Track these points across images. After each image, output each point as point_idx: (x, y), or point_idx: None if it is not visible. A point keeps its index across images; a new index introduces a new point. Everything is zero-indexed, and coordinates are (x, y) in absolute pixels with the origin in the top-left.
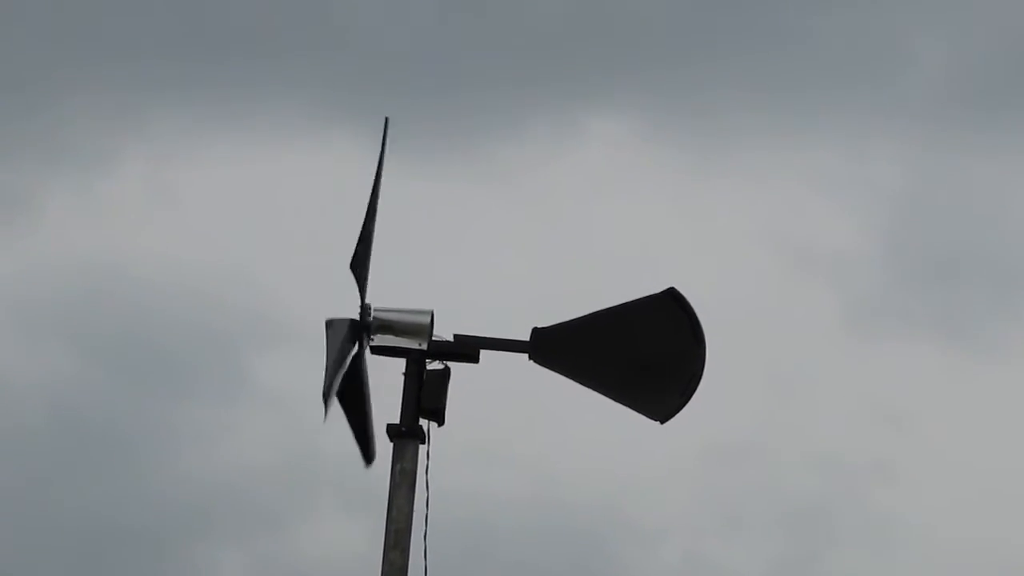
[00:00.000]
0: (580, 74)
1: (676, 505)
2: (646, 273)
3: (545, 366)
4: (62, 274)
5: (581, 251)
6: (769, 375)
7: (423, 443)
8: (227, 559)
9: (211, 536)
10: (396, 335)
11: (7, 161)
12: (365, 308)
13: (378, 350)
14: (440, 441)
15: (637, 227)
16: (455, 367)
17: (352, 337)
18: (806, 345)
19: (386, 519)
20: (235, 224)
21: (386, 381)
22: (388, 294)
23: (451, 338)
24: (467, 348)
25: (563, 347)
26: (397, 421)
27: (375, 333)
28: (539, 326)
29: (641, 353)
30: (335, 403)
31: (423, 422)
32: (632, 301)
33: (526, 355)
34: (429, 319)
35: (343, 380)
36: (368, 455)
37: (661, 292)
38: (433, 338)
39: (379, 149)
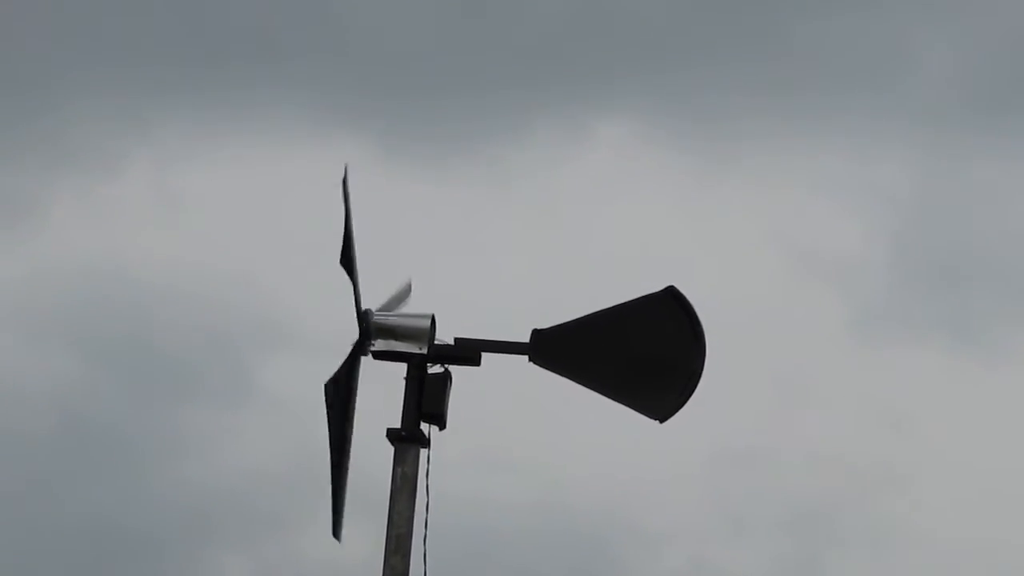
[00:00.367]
0: (584, 77)
1: (680, 509)
2: (650, 276)
3: (545, 367)
4: (66, 278)
5: (585, 254)
6: (774, 378)
7: (424, 447)
8: (231, 563)
9: (215, 540)
10: (397, 340)
11: (11, 165)
12: (364, 315)
13: (379, 355)
14: (442, 445)
15: (641, 230)
16: (456, 370)
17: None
18: (811, 348)
19: (387, 524)
20: (239, 228)
21: (387, 386)
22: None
23: (452, 342)
24: (468, 351)
25: (563, 348)
26: (398, 425)
27: (375, 338)
28: (538, 328)
29: (641, 352)
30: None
31: (424, 426)
32: (631, 300)
33: (526, 357)
34: (429, 323)
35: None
36: (336, 531)
37: (660, 291)
38: (435, 342)
39: (343, 197)
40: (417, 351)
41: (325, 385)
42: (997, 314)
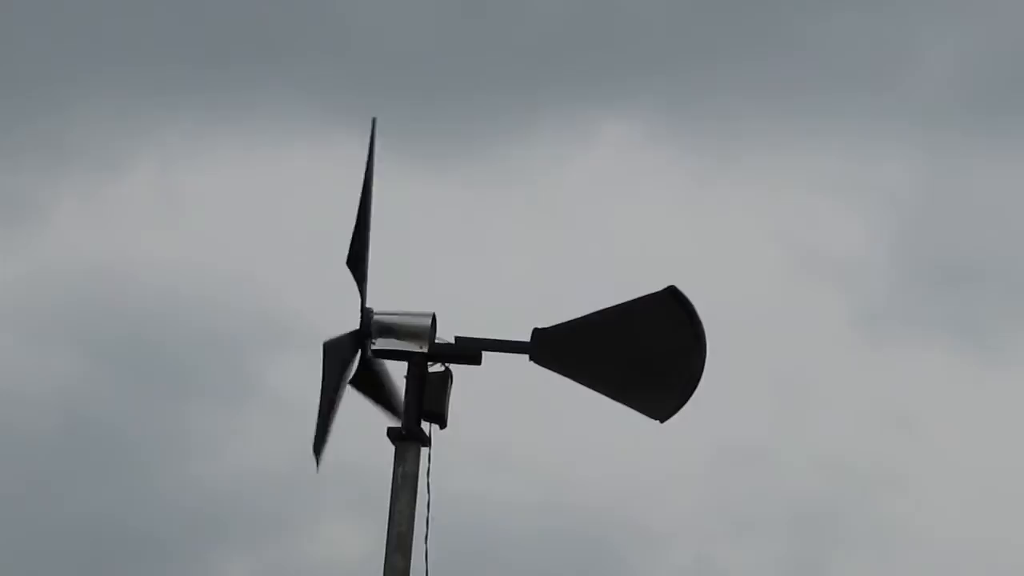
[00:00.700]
0: (589, 77)
1: (683, 508)
2: (652, 275)
3: (546, 367)
4: (69, 277)
5: (587, 253)
6: (776, 378)
7: (425, 446)
8: (234, 562)
9: (218, 540)
10: (397, 338)
11: (14, 165)
12: (366, 313)
13: (379, 354)
14: (443, 444)
15: (644, 229)
16: (457, 369)
17: (352, 351)
18: (814, 349)
19: (388, 523)
20: (241, 227)
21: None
22: (394, 296)
23: (453, 340)
24: (469, 350)
25: (563, 347)
26: (399, 424)
27: (376, 337)
28: (539, 327)
29: (642, 351)
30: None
31: (425, 425)
32: (632, 300)
33: (527, 356)
34: (430, 322)
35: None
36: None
37: (661, 290)
38: (435, 340)
39: (367, 151)
40: (418, 350)
41: (324, 345)
42: (999, 314)
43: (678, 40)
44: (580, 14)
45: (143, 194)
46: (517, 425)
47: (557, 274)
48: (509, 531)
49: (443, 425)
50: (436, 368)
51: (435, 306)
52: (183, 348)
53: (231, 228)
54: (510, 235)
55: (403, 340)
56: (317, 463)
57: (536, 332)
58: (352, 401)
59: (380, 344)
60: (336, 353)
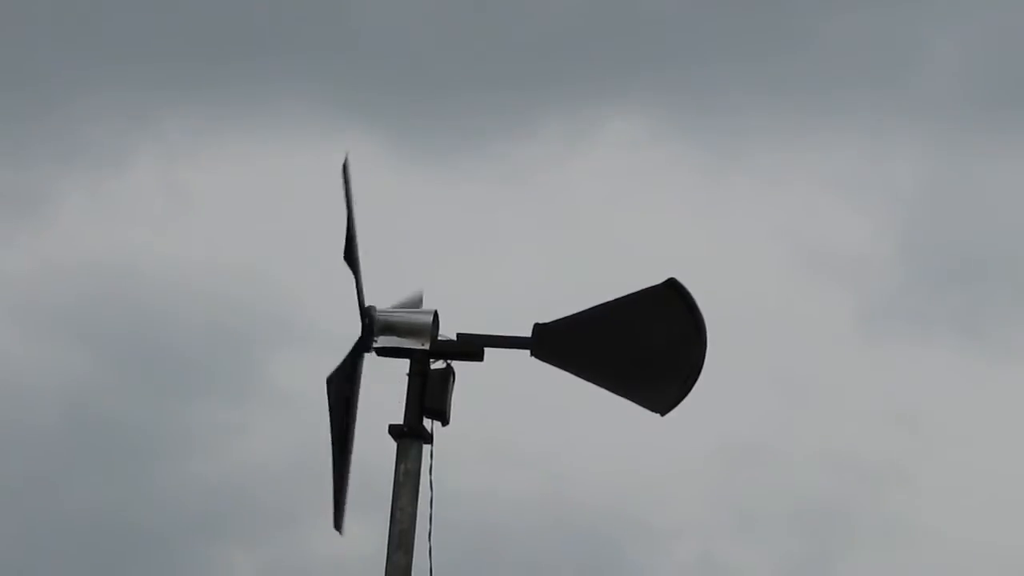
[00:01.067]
0: (595, 74)
1: (688, 504)
2: (658, 272)
3: (547, 362)
4: (74, 274)
5: (593, 250)
6: (782, 374)
7: (427, 443)
8: (238, 559)
9: (222, 536)
10: (399, 336)
11: (20, 161)
12: (367, 311)
13: (382, 351)
14: (446, 441)
15: (651, 227)
16: (459, 366)
17: (355, 363)
18: (821, 345)
19: (390, 520)
20: (246, 223)
21: (389, 382)
22: (398, 293)
23: (455, 337)
24: (470, 347)
25: (564, 342)
26: (400, 421)
27: (378, 334)
28: (540, 322)
29: (642, 345)
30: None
31: (427, 422)
32: (632, 293)
33: (528, 352)
34: (432, 319)
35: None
36: (338, 523)
37: (661, 283)
38: (437, 337)
39: (344, 188)
40: (419, 347)
41: (327, 380)
42: (1006, 311)
43: (684, 37)
44: (586, 10)
45: (148, 190)
46: (520, 421)
47: (560, 271)
48: (512, 527)
49: (445, 422)
50: (438, 365)
51: (437, 303)
52: (187, 344)
53: (236, 224)
54: (513, 232)
55: (404, 337)
56: (340, 530)
57: (537, 327)
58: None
59: (382, 341)
60: (338, 384)
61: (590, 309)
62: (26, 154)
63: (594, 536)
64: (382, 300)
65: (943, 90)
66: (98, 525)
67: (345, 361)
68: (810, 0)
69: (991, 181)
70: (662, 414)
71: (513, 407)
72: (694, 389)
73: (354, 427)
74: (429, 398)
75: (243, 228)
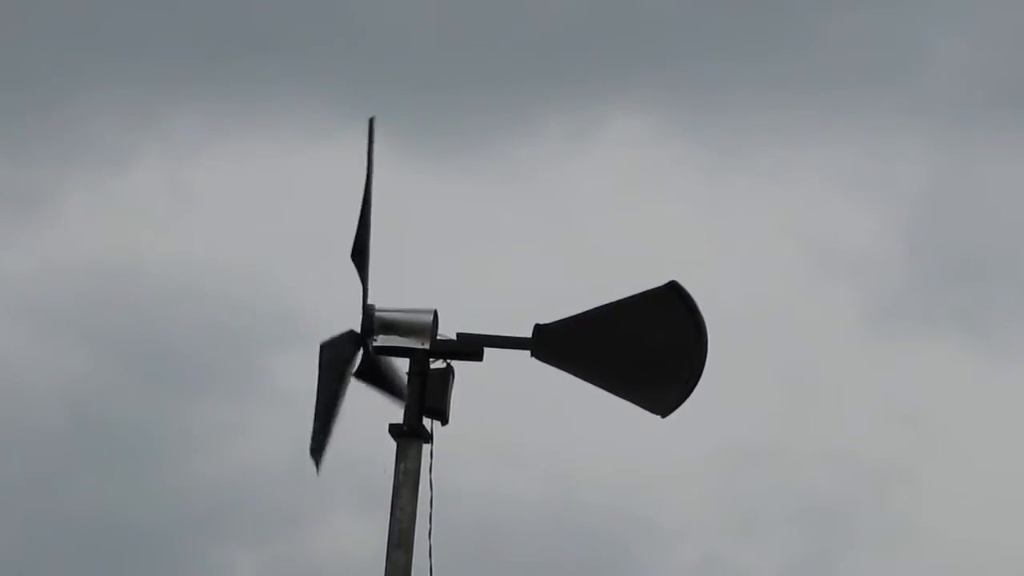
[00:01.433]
0: (596, 72)
1: (692, 505)
2: (662, 272)
3: (547, 362)
4: (75, 273)
5: (596, 250)
6: (787, 374)
7: (427, 443)
8: (240, 559)
9: (224, 535)
10: (399, 335)
11: (23, 159)
12: (368, 310)
13: (381, 350)
14: (446, 441)
15: (654, 226)
16: (459, 366)
17: (351, 349)
18: (825, 344)
19: (389, 519)
20: (250, 222)
21: None
22: (395, 292)
23: (454, 337)
24: (470, 346)
25: (565, 343)
26: (400, 421)
27: (378, 333)
28: (540, 322)
29: (643, 347)
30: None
31: (426, 422)
32: (633, 295)
33: (528, 352)
34: (431, 318)
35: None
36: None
37: (662, 285)
38: (437, 337)
39: (367, 151)
40: (419, 346)
41: (320, 345)
42: (1012, 310)
43: (687, 35)
44: (587, 8)
45: (151, 189)
46: (519, 421)
47: (561, 271)
48: (512, 527)
49: (445, 421)
50: (438, 364)
51: (437, 302)
52: (189, 343)
53: (239, 223)
54: (513, 231)
55: (404, 337)
56: (317, 466)
57: (537, 328)
58: (357, 398)
59: (382, 341)
60: (333, 353)
61: (591, 310)
62: (27, 153)
63: (596, 536)
64: (382, 299)
65: (946, 88)
66: (98, 525)
67: (342, 336)
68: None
69: (995, 180)
70: (663, 416)
71: (513, 407)
72: (699, 389)
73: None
74: (429, 398)
75: (245, 227)
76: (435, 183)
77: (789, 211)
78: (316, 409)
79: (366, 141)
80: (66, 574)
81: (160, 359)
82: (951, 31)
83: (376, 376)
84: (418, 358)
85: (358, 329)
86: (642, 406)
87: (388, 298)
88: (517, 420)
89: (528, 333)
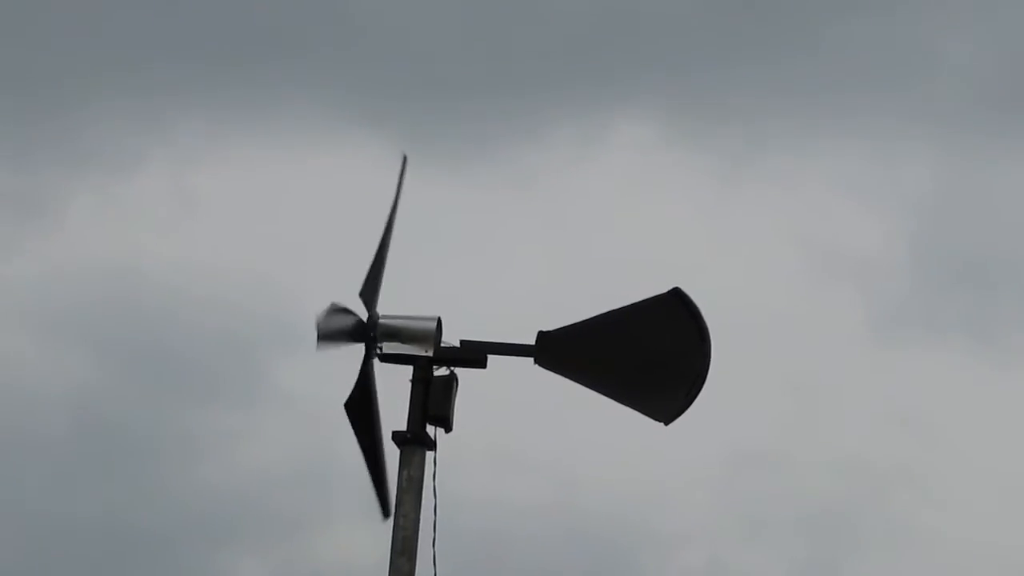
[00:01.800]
0: (605, 78)
1: (697, 510)
2: (669, 278)
3: (550, 370)
4: (83, 278)
5: (602, 256)
6: (792, 379)
7: (430, 450)
8: (246, 564)
9: (230, 541)
10: (403, 342)
11: (28, 165)
12: (372, 316)
13: (385, 358)
14: (450, 448)
15: (660, 231)
16: (462, 373)
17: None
18: (831, 349)
19: (393, 526)
20: (254, 228)
21: (393, 388)
22: (408, 299)
23: (458, 344)
24: (474, 354)
25: (568, 350)
26: (404, 428)
27: (382, 341)
28: (544, 330)
29: (646, 354)
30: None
31: (430, 429)
32: (637, 302)
33: (531, 359)
34: (435, 326)
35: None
36: (385, 507)
37: (665, 292)
38: (441, 344)
39: (396, 186)
40: (423, 354)
41: (345, 406)
42: (1015, 315)
43: (693, 42)
44: (596, 15)
45: (156, 194)
46: (523, 428)
47: (569, 277)
48: (517, 533)
49: (448, 429)
50: (441, 372)
51: (440, 309)
52: (195, 349)
53: (243, 228)
54: (517, 238)
55: (408, 344)
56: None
57: (541, 335)
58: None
59: (386, 348)
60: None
61: (594, 317)
62: (34, 158)
63: (600, 542)
64: (386, 306)
65: (950, 94)
66: (103, 530)
67: (358, 381)
68: (818, 5)
69: (999, 185)
70: (666, 423)
71: (517, 414)
72: (704, 395)
73: (381, 434)
74: (432, 405)
75: (249, 232)
76: (438, 189)
77: (794, 216)
78: (365, 460)
79: (397, 177)
80: None
81: (164, 364)
82: (955, 37)
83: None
84: (422, 365)
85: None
86: (645, 413)
87: (392, 305)
88: (521, 427)
89: (532, 340)
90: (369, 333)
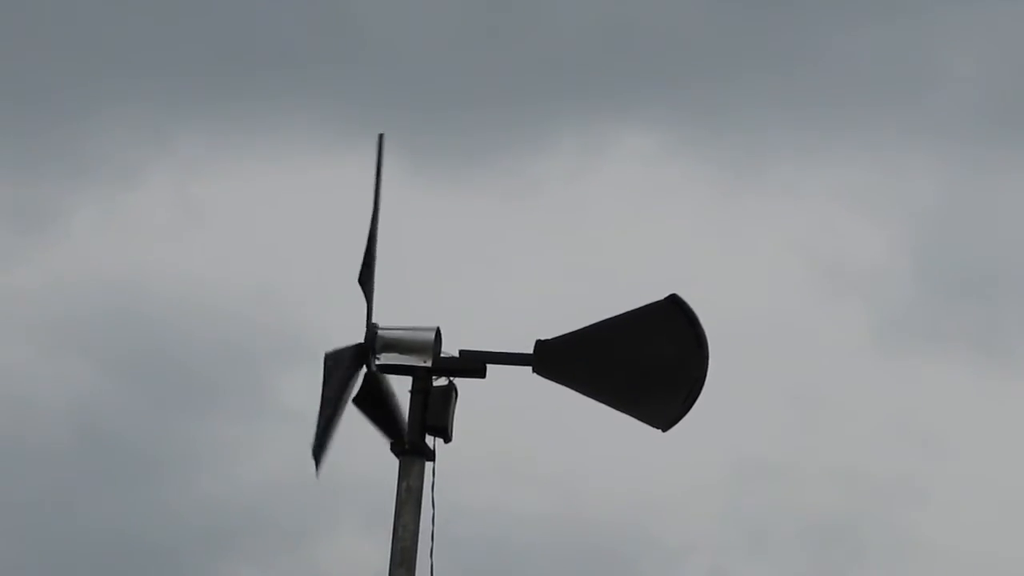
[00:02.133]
0: (608, 89)
1: (700, 521)
2: (672, 289)
3: (549, 378)
4: (85, 288)
5: (605, 266)
6: (796, 390)
7: (429, 460)
8: (247, 575)
9: (231, 552)
10: (401, 353)
11: (32, 175)
12: (372, 328)
13: (384, 368)
14: (449, 458)
15: (663, 243)
16: (461, 383)
17: (355, 364)
18: (835, 361)
19: (392, 537)
20: (258, 240)
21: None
22: (407, 310)
23: (457, 354)
24: (472, 363)
25: (566, 358)
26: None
27: (380, 352)
28: (542, 338)
29: (644, 361)
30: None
31: (429, 439)
32: (634, 309)
33: (530, 368)
34: (434, 336)
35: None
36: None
37: (663, 299)
38: (439, 354)
39: (375, 167)
40: (422, 364)
41: (325, 355)
42: (1021, 328)
43: (698, 53)
44: (599, 25)
45: (160, 205)
46: (522, 437)
47: (570, 288)
48: (516, 544)
49: (447, 439)
50: (440, 382)
51: (439, 319)
52: (198, 361)
53: (247, 240)
54: (516, 247)
55: (407, 354)
56: (317, 467)
57: (538, 344)
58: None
59: (384, 359)
60: (337, 363)
61: (592, 325)
62: (36, 169)
63: (601, 553)
64: (385, 316)
65: (955, 106)
66: (105, 542)
67: (348, 348)
68: (824, 16)
69: (1004, 197)
70: (664, 430)
71: (516, 424)
72: (707, 405)
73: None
74: (431, 415)
75: (253, 244)
76: (437, 199)
77: (798, 228)
78: (320, 412)
79: (375, 158)
80: None
81: (167, 376)
82: (960, 49)
83: (374, 402)
84: (420, 375)
85: (364, 345)
86: (643, 420)
87: (391, 316)
88: (520, 436)
89: (530, 349)
90: (367, 344)
